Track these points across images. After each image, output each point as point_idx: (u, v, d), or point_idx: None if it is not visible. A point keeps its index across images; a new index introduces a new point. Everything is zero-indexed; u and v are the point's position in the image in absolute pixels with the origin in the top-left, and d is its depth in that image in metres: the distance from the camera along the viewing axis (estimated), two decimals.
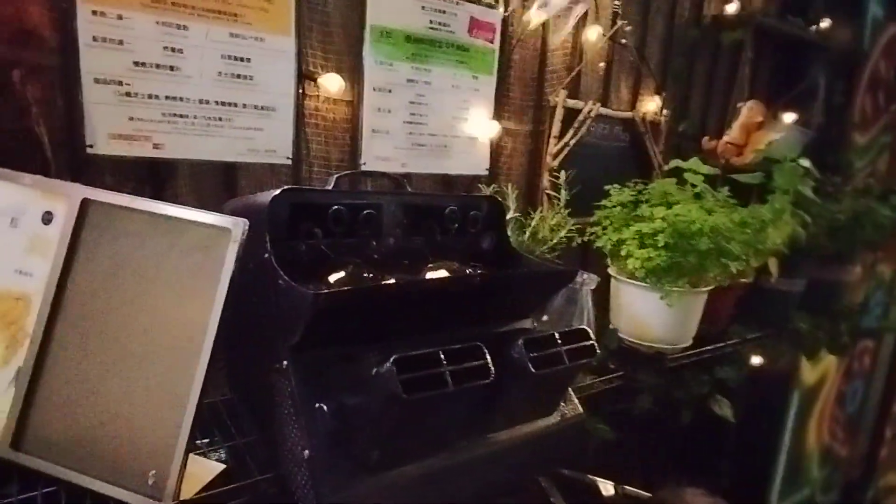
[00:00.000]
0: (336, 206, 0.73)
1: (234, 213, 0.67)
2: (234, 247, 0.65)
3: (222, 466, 0.71)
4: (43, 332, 0.69)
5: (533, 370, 0.62)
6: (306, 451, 0.58)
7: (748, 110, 1.52)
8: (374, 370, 0.54)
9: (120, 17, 0.88)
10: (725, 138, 1.56)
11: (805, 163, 1.34)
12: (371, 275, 0.66)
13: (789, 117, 1.75)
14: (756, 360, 1.45)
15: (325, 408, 0.58)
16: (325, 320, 0.58)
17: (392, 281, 0.67)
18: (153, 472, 0.63)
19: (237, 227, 0.65)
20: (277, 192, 0.67)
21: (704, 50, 1.64)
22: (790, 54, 1.84)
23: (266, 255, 0.64)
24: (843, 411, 2.69)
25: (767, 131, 1.51)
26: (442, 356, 0.56)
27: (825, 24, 1.90)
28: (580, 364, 0.68)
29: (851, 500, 2.88)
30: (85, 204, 0.70)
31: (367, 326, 0.63)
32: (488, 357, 0.59)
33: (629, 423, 1.22)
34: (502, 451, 0.68)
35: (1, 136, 0.83)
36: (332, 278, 0.65)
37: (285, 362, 0.61)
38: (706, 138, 1.60)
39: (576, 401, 0.81)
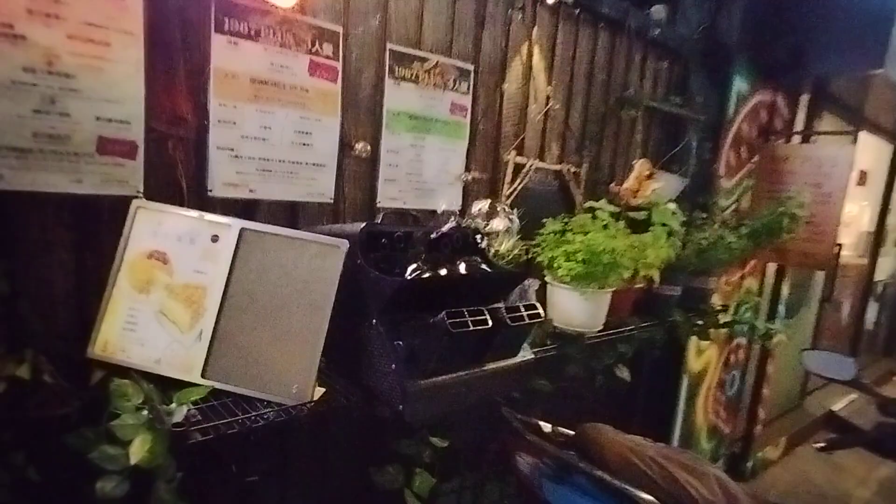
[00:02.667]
0: (392, 232, 1.23)
1: (332, 235, 1.16)
2: (342, 256, 1.13)
3: (324, 389, 1.17)
4: (218, 308, 1.13)
5: (509, 322, 1.14)
6: (393, 365, 1.06)
7: (640, 165, 2.15)
8: (431, 320, 1.04)
9: (235, 107, 1.35)
10: (625, 185, 2.18)
11: (672, 206, 1.96)
12: (419, 271, 1.16)
13: (670, 170, 2.42)
14: (647, 341, 2.04)
15: (400, 343, 1.07)
16: (399, 296, 1.07)
17: (430, 274, 1.18)
18: (295, 386, 1.10)
19: (343, 245, 1.13)
20: (363, 224, 1.16)
21: (611, 121, 2.27)
22: (672, 123, 2.52)
23: (358, 261, 1.13)
24: (724, 395, 3.40)
25: (653, 181, 2.14)
26: (466, 313, 1.07)
27: (699, 98, 2.60)
28: (534, 322, 1.20)
29: (735, 470, 3.58)
30: (243, 230, 1.16)
31: (418, 300, 1.13)
32: (488, 315, 1.11)
33: (562, 381, 1.76)
34: (491, 373, 1.19)
35: (159, 183, 1.27)
36: (399, 272, 1.14)
37: (374, 321, 1.10)
38: (612, 185, 2.22)
39: (530, 352, 1.34)
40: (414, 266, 1.15)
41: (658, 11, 2.61)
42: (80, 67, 1.13)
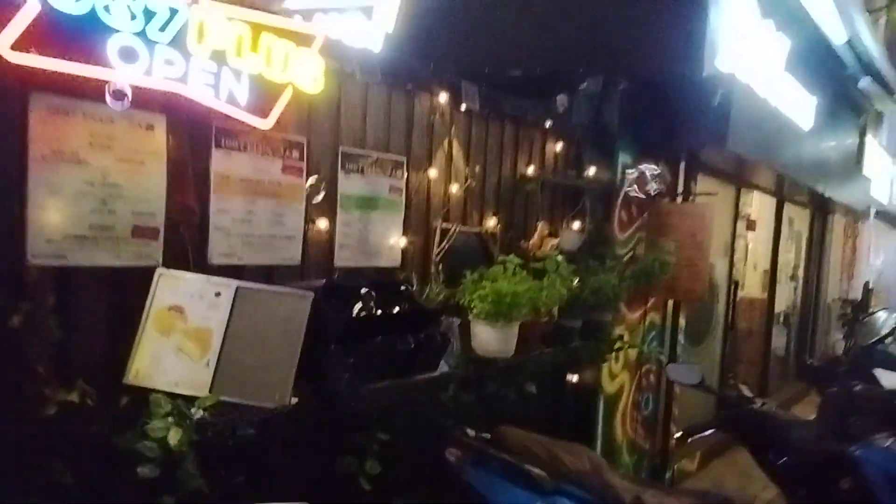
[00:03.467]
0: (345, 285, 1.75)
1: (302, 288, 1.67)
2: (309, 303, 1.64)
3: (297, 399, 1.65)
4: (220, 343, 1.61)
5: (426, 345, 1.66)
6: (346, 375, 1.55)
7: (541, 226, 2.76)
8: (372, 344, 1.55)
9: (228, 199, 1.86)
10: (531, 241, 2.78)
11: (560, 258, 2.56)
12: (362, 311, 1.67)
13: (571, 228, 3.06)
14: (552, 364, 2.58)
15: (351, 360, 1.57)
16: (349, 329, 1.58)
17: (367, 312, 1.70)
18: (277, 394, 1.57)
19: (309, 295, 1.65)
20: (324, 280, 1.68)
21: (518, 192, 2.89)
22: (570, 191, 3.18)
23: (321, 306, 1.64)
24: (641, 414, 3.96)
25: (551, 238, 2.75)
26: (397, 339, 1.59)
27: (591, 170, 3.28)
28: (444, 345, 1.73)
29: (656, 480, 4.09)
30: (238, 287, 1.66)
31: (365, 331, 1.64)
32: (411, 340, 1.63)
33: (483, 396, 2.27)
34: (416, 382, 1.69)
35: (174, 255, 1.75)
36: (348, 312, 1.66)
37: (333, 346, 1.60)
38: (522, 241, 2.82)
39: (447, 368, 1.86)
40: (359, 307, 1.67)
41: (561, 100, 3.34)
42: (124, 179, 1.63)
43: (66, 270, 1.57)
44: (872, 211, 8.01)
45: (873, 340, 2.28)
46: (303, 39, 1.91)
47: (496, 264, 2.48)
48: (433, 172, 2.49)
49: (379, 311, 1.70)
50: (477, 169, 2.70)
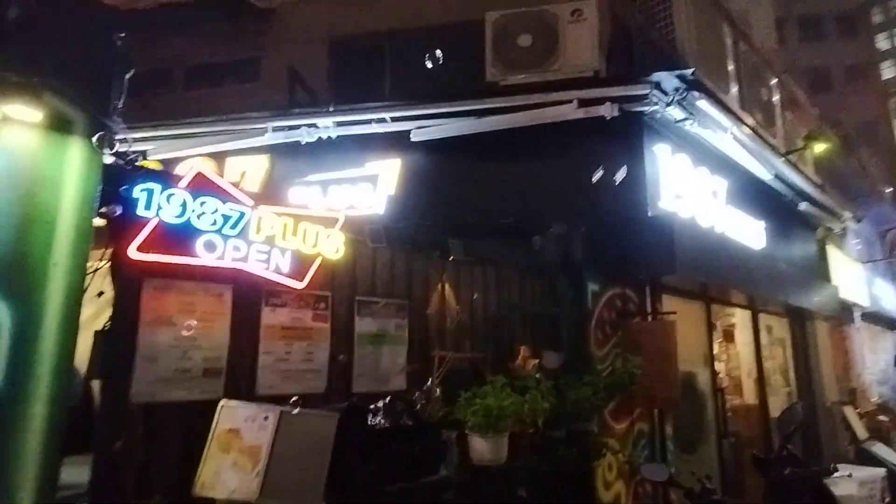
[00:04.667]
0: (362, 406, 2.26)
1: (329, 411, 2.17)
2: (335, 422, 2.13)
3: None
4: (268, 457, 2.08)
5: (428, 455, 2.12)
6: (368, 481, 2.00)
7: (523, 350, 3.29)
8: (386, 452, 2.03)
9: (272, 343, 2.43)
10: (516, 362, 3.29)
11: (539, 376, 3.05)
12: (376, 425, 2.16)
13: (553, 349, 3.58)
14: (538, 470, 2.95)
15: (371, 467, 2.03)
16: (368, 439, 2.06)
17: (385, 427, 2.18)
18: (311, 498, 2.01)
19: (335, 416, 2.15)
20: (346, 404, 2.19)
21: (503, 322, 3.47)
22: (548, 318, 3.76)
23: (344, 425, 2.14)
24: None
25: (533, 360, 3.27)
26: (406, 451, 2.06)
27: (566, 298, 3.88)
28: (442, 453, 2.19)
29: None
30: (282, 413, 2.16)
31: (381, 442, 2.11)
32: (417, 450, 2.09)
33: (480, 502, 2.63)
34: (422, 484, 2.12)
35: (231, 388, 2.27)
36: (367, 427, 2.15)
37: (355, 456, 2.07)
38: (509, 363, 3.33)
39: (445, 473, 2.29)
40: (375, 423, 2.16)
41: (536, 241, 4.06)
42: (200, 334, 2.22)
43: (154, 405, 2.10)
44: (857, 314, 8.46)
45: (790, 430, 2.66)
46: (329, 222, 2.62)
47: (487, 384, 2.98)
48: (430, 311, 3.09)
49: (388, 426, 2.18)
50: (466, 306, 3.30)
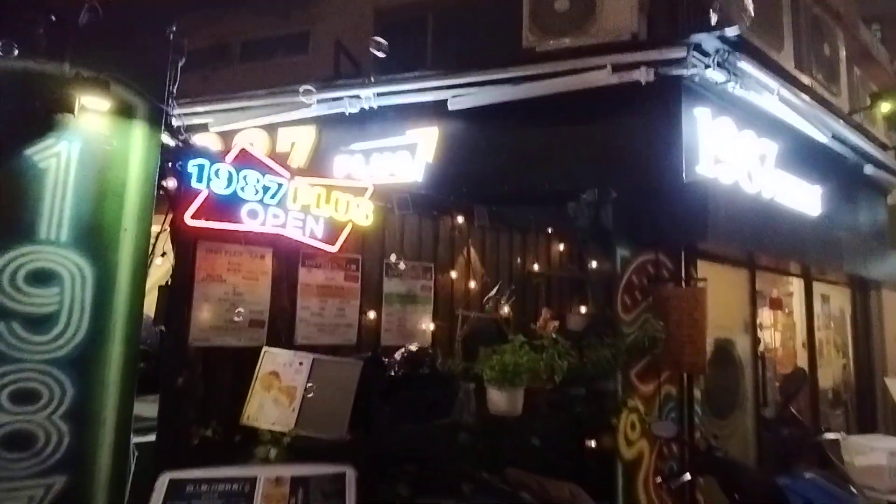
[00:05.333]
0: (385, 357, 2.55)
1: (356, 359, 2.48)
2: (360, 368, 2.44)
3: (350, 436, 2.40)
4: (302, 396, 2.42)
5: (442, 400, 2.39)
6: (385, 419, 2.30)
7: (545, 311, 3.47)
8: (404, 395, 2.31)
9: (308, 300, 2.76)
10: (538, 324, 3.48)
11: (556, 336, 3.22)
12: (395, 374, 2.45)
13: (578, 312, 3.74)
14: (556, 424, 3.16)
15: (388, 408, 2.33)
16: (388, 385, 2.36)
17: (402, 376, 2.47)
18: (337, 430, 2.34)
19: (360, 362, 2.45)
20: (370, 354, 2.49)
21: (528, 285, 3.65)
22: (574, 282, 3.89)
23: (368, 370, 2.44)
24: (666, 482, 4.27)
25: (553, 320, 3.44)
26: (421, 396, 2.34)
27: (593, 264, 3.99)
28: (454, 399, 2.45)
29: None
30: (314, 359, 2.49)
31: (400, 388, 2.40)
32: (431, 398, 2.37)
33: (496, 448, 2.90)
34: (435, 425, 2.40)
35: (273, 338, 2.62)
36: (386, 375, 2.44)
37: (376, 399, 2.37)
38: (531, 324, 3.53)
39: (458, 417, 2.56)
40: (394, 372, 2.45)
41: (572, 207, 4.17)
42: (246, 290, 2.57)
43: (209, 349, 2.48)
44: None
45: (792, 393, 2.70)
46: (359, 192, 2.87)
47: (508, 343, 3.20)
48: (454, 273, 3.32)
49: (405, 374, 2.46)
50: (491, 269, 3.50)
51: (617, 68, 4.06)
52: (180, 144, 2.46)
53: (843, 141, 5.33)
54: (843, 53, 5.91)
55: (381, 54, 4.28)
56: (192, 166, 2.41)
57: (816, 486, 2.24)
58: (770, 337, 5.71)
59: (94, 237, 2.12)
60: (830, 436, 2.58)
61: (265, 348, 2.55)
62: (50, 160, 2.07)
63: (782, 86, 4.42)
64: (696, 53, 3.94)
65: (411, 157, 4.72)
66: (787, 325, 6.43)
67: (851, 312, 7.08)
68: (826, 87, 5.45)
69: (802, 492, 2.22)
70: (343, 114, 4.93)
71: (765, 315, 5.83)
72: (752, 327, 5.39)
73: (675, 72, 4.03)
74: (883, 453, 3.45)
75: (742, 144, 4.64)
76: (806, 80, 4.85)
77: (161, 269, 2.47)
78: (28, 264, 2.00)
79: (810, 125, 4.89)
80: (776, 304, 5.88)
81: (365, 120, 4.94)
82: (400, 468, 2.49)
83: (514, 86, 4.44)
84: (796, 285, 6.30)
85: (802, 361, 6.29)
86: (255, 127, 5.08)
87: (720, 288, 4.87)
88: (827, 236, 5.45)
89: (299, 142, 5.00)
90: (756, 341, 5.43)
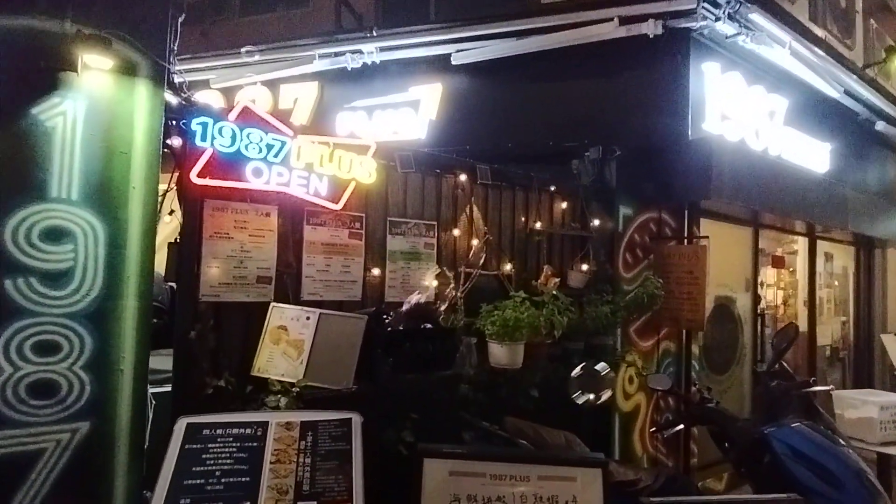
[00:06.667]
0: (388, 311, 2.63)
1: (360, 314, 2.56)
2: (364, 323, 2.52)
3: (355, 386, 2.51)
4: (310, 349, 2.52)
5: (443, 351, 2.48)
6: (388, 368, 2.40)
7: (546, 269, 3.53)
8: (406, 347, 2.41)
9: (314, 257, 2.83)
10: (539, 280, 3.55)
11: (556, 292, 3.29)
12: (399, 328, 2.54)
13: (579, 269, 3.79)
14: (555, 376, 3.28)
15: (391, 360, 2.42)
16: (390, 338, 2.45)
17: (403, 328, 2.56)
18: (344, 381, 2.45)
19: (364, 318, 2.53)
20: (374, 309, 2.57)
21: (529, 243, 3.70)
22: (575, 240, 3.93)
23: (372, 325, 2.53)
24: (659, 431, 4.44)
25: (554, 277, 3.51)
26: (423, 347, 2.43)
27: (594, 222, 4.02)
28: (455, 352, 2.54)
29: None
30: (321, 314, 2.58)
31: (403, 342, 2.49)
32: (432, 347, 2.46)
33: (496, 399, 3.02)
34: (436, 377, 2.51)
35: (280, 294, 2.71)
36: (390, 329, 2.53)
37: (379, 350, 2.46)
38: (533, 281, 3.59)
39: (459, 369, 2.66)
40: (396, 325, 2.53)
41: (575, 165, 4.18)
42: (252, 247, 2.63)
43: (220, 304, 2.56)
44: None
45: (783, 346, 2.78)
46: (362, 150, 2.89)
47: (509, 299, 3.27)
48: (457, 231, 3.37)
49: (407, 328, 2.55)
50: (493, 227, 3.54)
51: (624, 21, 3.97)
52: (183, 102, 2.48)
53: (855, 97, 5.22)
54: (859, 5, 5.70)
55: None
56: (195, 124, 2.43)
57: (800, 434, 2.34)
58: (772, 295, 5.78)
59: (104, 195, 2.17)
60: (820, 388, 2.67)
61: (273, 304, 2.63)
62: (56, 119, 2.10)
63: (795, 39, 4.31)
64: (706, 5, 3.83)
65: (414, 113, 4.69)
66: (790, 283, 6.48)
67: (854, 270, 7.12)
68: (840, 41, 5.30)
69: (786, 439, 2.32)
70: (345, 69, 4.87)
71: (767, 273, 5.88)
72: (754, 285, 5.45)
73: (684, 24, 3.94)
74: (874, 407, 3.56)
75: (750, 100, 4.57)
76: (820, 32, 4.71)
77: (169, 226, 2.53)
78: (42, 222, 2.06)
79: (822, 80, 4.79)
80: (778, 263, 5.92)
81: (367, 76, 4.88)
82: (404, 416, 2.61)
83: (520, 39, 4.35)
84: (800, 244, 6.31)
85: (802, 319, 6.38)
86: (256, 83, 5.03)
87: (723, 246, 4.91)
88: (834, 194, 5.41)
89: (301, 98, 4.96)
90: (757, 299, 5.50)
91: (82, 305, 2.12)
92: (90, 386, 2.13)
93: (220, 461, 1.71)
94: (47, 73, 2.09)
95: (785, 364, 2.75)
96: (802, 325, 6.41)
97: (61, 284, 2.09)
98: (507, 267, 3.56)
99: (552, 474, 1.93)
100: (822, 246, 6.42)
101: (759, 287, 5.53)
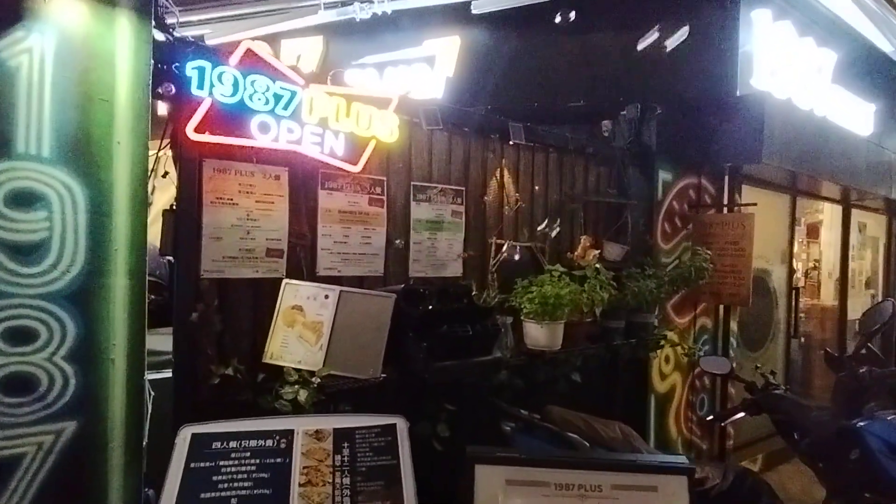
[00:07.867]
0: (418, 289, 2.29)
1: (387, 291, 2.22)
2: (392, 302, 2.19)
3: (384, 374, 2.19)
4: (329, 332, 2.19)
5: (482, 334, 2.15)
6: (421, 355, 2.07)
7: (584, 240, 3.18)
8: (440, 330, 2.07)
9: (330, 227, 2.47)
10: (576, 252, 3.20)
11: (598, 266, 2.95)
12: (431, 308, 2.20)
13: (616, 240, 3.45)
14: (595, 358, 2.97)
15: (425, 345, 2.09)
16: (421, 320, 2.11)
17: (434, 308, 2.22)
18: (371, 369, 2.12)
19: (392, 297, 2.19)
20: (402, 286, 2.23)
21: (564, 211, 3.34)
22: (612, 208, 3.57)
23: (401, 305, 2.19)
24: (696, 415, 4.17)
25: (593, 250, 3.16)
26: (458, 329, 2.10)
27: (632, 188, 3.66)
28: (496, 335, 2.21)
29: None
30: (341, 292, 2.24)
31: (434, 323, 2.16)
32: (470, 329, 2.13)
33: (534, 383, 2.71)
34: (473, 363, 2.18)
35: (293, 269, 2.36)
36: (421, 309, 2.19)
37: (410, 334, 2.13)
38: (568, 253, 3.25)
39: (499, 354, 2.34)
40: (430, 306, 2.19)
41: (606, 125, 3.79)
42: (260, 215, 2.27)
43: (224, 281, 2.22)
44: None
45: (874, 328, 2.47)
46: (382, 103, 2.50)
47: (544, 273, 2.94)
48: (488, 198, 3.01)
49: (442, 309, 2.22)
50: (526, 194, 3.18)
51: None
52: (175, 42, 2.08)
53: None
54: None
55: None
56: (191, 69, 2.05)
57: None
58: (804, 266, 5.46)
59: (82, 151, 1.80)
60: None
61: (285, 280, 2.29)
62: (21, 57, 1.71)
63: None
64: None
65: (430, 70, 4.26)
66: (818, 253, 6.16)
67: (886, 241, 6.79)
68: None
69: (882, 434, 2.03)
70: (353, 21, 4.42)
71: (799, 245, 5.54)
72: (790, 256, 5.12)
73: None
74: None
75: (800, 54, 4.16)
76: None
77: (163, 192, 2.17)
78: (7, 183, 1.69)
79: (877, 31, 4.37)
80: (813, 233, 5.58)
81: (378, 28, 4.43)
82: (438, 408, 2.30)
83: None
84: (832, 212, 5.96)
85: (830, 292, 6.08)
86: (255, 38, 4.58)
87: (761, 215, 4.55)
88: (874, 158, 5.04)
89: (305, 54, 4.52)
90: (791, 271, 5.18)
91: (62, 284, 1.77)
92: (75, 379, 1.80)
93: (235, 484, 1.37)
94: (8, 1, 1.69)
95: (872, 347, 2.44)
96: (830, 300, 6.13)
97: (34, 259, 1.73)
98: (546, 236, 3.21)
99: (629, 483, 1.62)
100: (856, 215, 6.08)
101: (793, 259, 5.20)
